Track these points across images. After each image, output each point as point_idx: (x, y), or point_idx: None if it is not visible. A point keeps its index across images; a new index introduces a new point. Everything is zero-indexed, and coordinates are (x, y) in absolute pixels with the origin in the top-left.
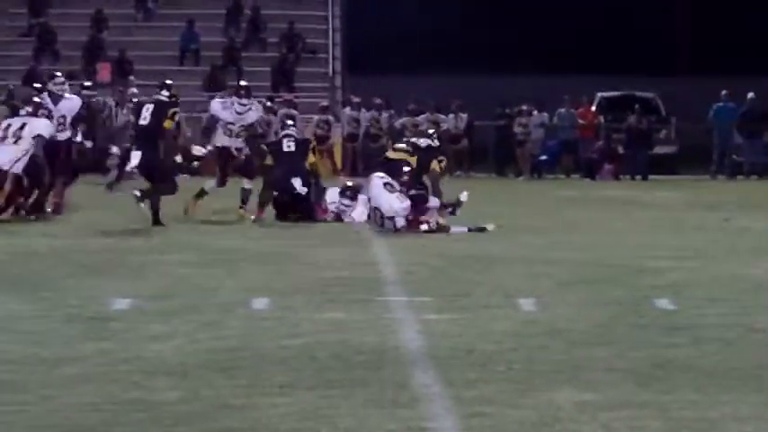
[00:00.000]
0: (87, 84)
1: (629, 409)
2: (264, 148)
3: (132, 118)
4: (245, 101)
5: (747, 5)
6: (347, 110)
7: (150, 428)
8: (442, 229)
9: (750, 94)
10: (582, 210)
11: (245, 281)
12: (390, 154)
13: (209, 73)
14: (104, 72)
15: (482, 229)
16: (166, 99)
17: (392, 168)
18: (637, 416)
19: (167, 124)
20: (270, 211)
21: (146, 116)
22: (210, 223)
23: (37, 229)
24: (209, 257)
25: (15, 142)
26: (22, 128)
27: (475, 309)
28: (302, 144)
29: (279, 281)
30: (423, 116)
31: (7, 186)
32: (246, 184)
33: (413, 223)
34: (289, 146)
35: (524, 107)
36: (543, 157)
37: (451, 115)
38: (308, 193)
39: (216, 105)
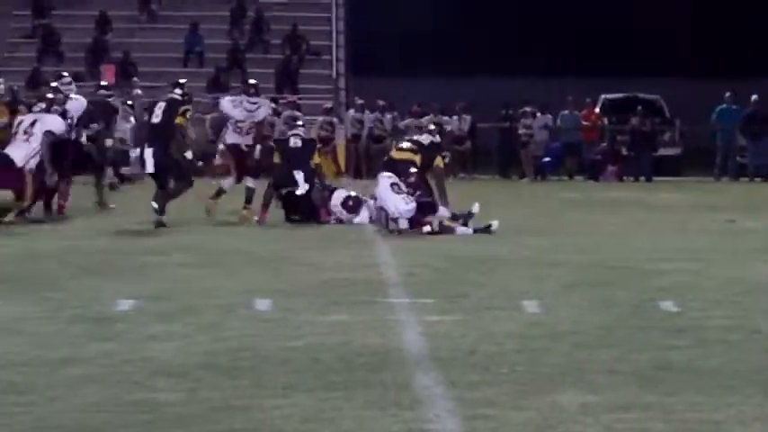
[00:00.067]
0: (103, 83)
1: (632, 411)
2: (272, 144)
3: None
4: (254, 99)
5: (751, 7)
6: (351, 111)
7: (154, 429)
8: (445, 230)
9: (754, 97)
10: (585, 212)
11: (247, 282)
12: (395, 154)
13: (213, 75)
14: (108, 74)
15: (488, 228)
16: (179, 97)
17: (398, 169)
18: (640, 418)
19: (179, 120)
20: (277, 212)
21: (158, 114)
22: (213, 225)
23: (40, 231)
24: (211, 259)
25: (27, 140)
26: (33, 124)
27: (478, 310)
28: (309, 142)
29: (281, 282)
30: (426, 118)
31: (29, 185)
32: (250, 183)
33: (415, 225)
34: (296, 142)
35: (528, 109)
36: (546, 159)
37: (455, 117)
38: (310, 193)
39: (226, 104)
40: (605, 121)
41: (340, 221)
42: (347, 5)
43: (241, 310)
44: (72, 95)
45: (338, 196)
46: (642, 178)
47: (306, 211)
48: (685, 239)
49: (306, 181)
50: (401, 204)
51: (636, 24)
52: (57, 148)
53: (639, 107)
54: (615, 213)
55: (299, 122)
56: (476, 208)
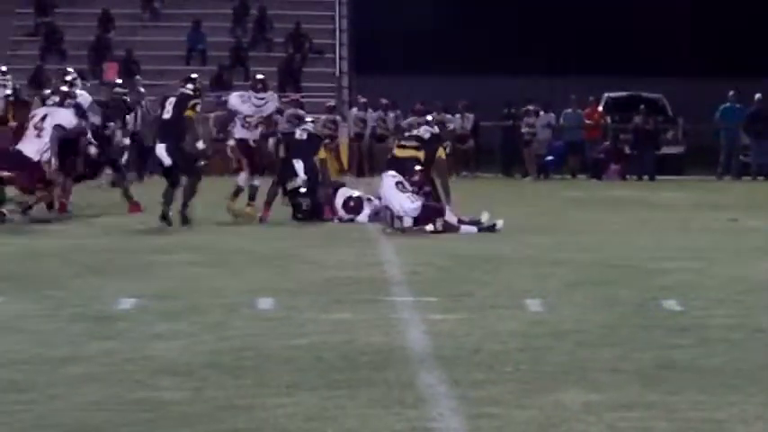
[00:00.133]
0: (118, 81)
1: (635, 409)
2: (280, 136)
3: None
4: (261, 94)
5: (754, 6)
6: (354, 110)
7: (156, 428)
8: (449, 229)
9: (757, 95)
10: (588, 210)
11: (250, 281)
12: (398, 152)
13: (216, 73)
14: (111, 72)
15: (492, 227)
16: (191, 92)
17: (402, 167)
18: (643, 417)
19: (189, 113)
20: (280, 211)
21: (168, 109)
22: (216, 223)
23: (42, 229)
24: (214, 257)
25: (37, 135)
26: (43, 119)
27: (481, 309)
28: (315, 137)
29: (284, 281)
30: (429, 116)
31: (54, 178)
32: (255, 180)
33: (420, 224)
34: (301, 135)
35: (531, 107)
36: (549, 158)
37: (458, 115)
38: (315, 191)
39: (234, 100)
40: (608, 119)
41: (341, 220)
42: (350, 4)
43: (245, 309)
44: (77, 91)
45: (341, 195)
46: (645, 177)
47: (310, 209)
48: (688, 238)
49: (306, 174)
50: (406, 203)
51: (639, 23)
52: (65, 144)
53: (642, 106)
54: (618, 212)
55: (309, 119)
56: (485, 217)
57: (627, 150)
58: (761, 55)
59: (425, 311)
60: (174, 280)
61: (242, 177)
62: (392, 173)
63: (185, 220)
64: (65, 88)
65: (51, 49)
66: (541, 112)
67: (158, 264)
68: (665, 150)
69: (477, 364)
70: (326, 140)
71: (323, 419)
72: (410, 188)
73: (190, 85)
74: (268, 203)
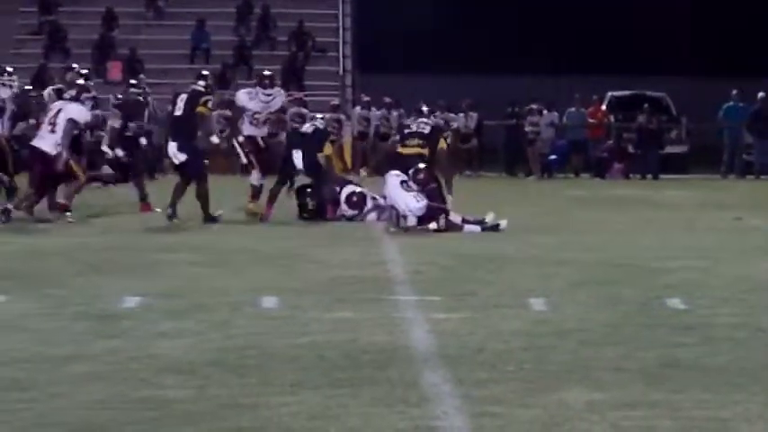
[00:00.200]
0: (133, 81)
1: (639, 408)
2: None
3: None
4: (269, 90)
5: (757, 5)
6: (357, 109)
7: (160, 427)
8: (453, 228)
9: (760, 94)
10: (592, 209)
11: (254, 280)
12: (402, 150)
13: (220, 71)
14: (115, 70)
15: (496, 227)
16: (202, 89)
17: (406, 164)
18: (647, 415)
19: (201, 110)
20: (285, 210)
21: (180, 106)
22: (221, 222)
23: (45, 228)
24: (218, 256)
25: (51, 131)
26: (57, 114)
27: (485, 308)
28: (321, 132)
29: (288, 280)
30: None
31: (72, 164)
32: (262, 179)
33: (424, 222)
34: (308, 128)
35: (534, 106)
36: (553, 157)
37: (461, 114)
38: (320, 188)
39: (242, 96)
40: (612, 118)
41: (345, 218)
42: (354, 2)
43: (249, 308)
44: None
45: (346, 191)
46: (649, 176)
47: (315, 209)
48: (692, 237)
49: (308, 169)
50: (412, 202)
51: (642, 22)
52: (75, 141)
53: (646, 105)
54: (622, 211)
55: (320, 116)
56: (489, 218)
57: (630, 149)
58: (764, 54)
59: (429, 310)
60: (178, 278)
61: (254, 176)
62: (396, 172)
63: (212, 220)
64: (81, 81)
65: (55, 48)
66: (545, 111)
67: (162, 262)
68: (669, 149)
69: (481, 363)
70: (333, 137)
71: (326, 418)
72: (415, 187)
73: (201, 82)
74: (271, 202)
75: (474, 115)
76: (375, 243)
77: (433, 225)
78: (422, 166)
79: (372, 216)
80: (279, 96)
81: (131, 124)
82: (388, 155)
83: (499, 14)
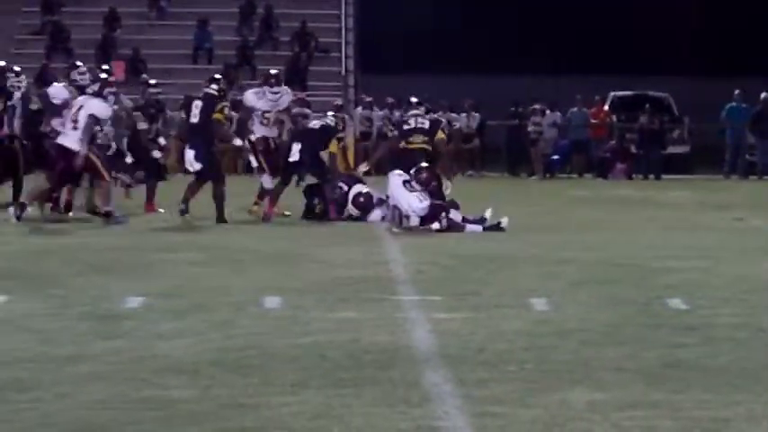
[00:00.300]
0: (152, 81)
1: (640, 408)
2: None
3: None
4: (276, 88)
5: (760, 5)
6: (359, 109)
7: (162, 427)
8: (455, 227)
9: (763, 94)
10: (594, 209)
11: (256, 280)
12: (407, 145)
13: (223, 72)
14: (118, 71)
15: (498, 226)
16: (215, 93)
17: (412, 158)
18: (648, 416)
19: (218, 117)
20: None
21: (195, 113)
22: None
23: (47, 228)
24: (220, 256)
25: (74, 128)
26: (79, 110)
27: (486, 308)
28: (328, 128)
29: (290, 280)
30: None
31: (97, 161)
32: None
33: (425, 221)
34: (314, 124)
35: (537, 106)
36: (555, 157)
37: (464, 114)
38: (325, 189)
39: (251, 97)
40: (614, 118)
41: (352, 218)
42: (357, 3)
43: (251, 308)
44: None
45: (354, 191)
46: (651, 176)
47: (321, 212)
48: (694, 237)
49: (312, 166)
50: (415, 202)
51: (642, 22)
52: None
53: (648, 105)
54: (624, 211)
55: (330, 113)
56: (488, 213)
57: (633, 149)
58: (766, 54)
59: (430, 310)
60: (180, 278)
61: (266, 180)
62: (398, 172)
63: (224, 222)
64: (104, 75)
65: (57, 48)
66: (548, 111)
67: (165, 262)
68: (671, 150)
69: (482, 362)
70: (340, 134)
71: (328, 418)
72: (418, 187)
73: (214, 86)
74: (273, 202)
75: (476, 115)
76: (377, 243)
77: (435, 225)
78: (424, 165)
79: (377, 214)
80: (286, 95)
81: (153, 125)
82: (392, 151)
83: (499, 15)
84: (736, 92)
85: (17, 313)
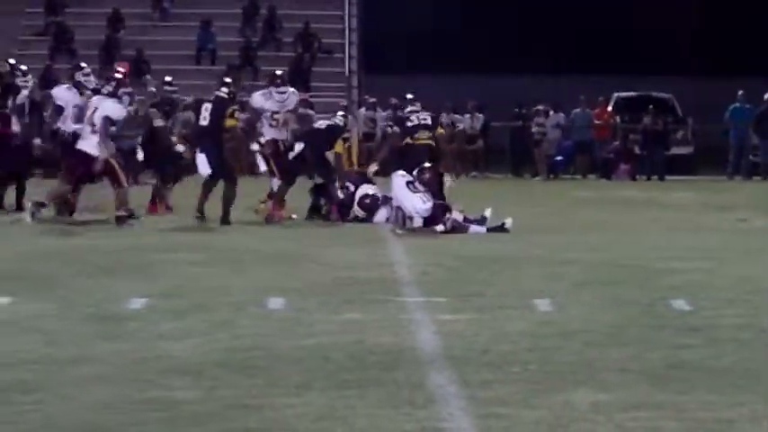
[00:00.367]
0: (168, 79)
1: (644, 409)
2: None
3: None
4: (282, 88)
5: (763, 5)
6: (362, 110)
7: (166, 428)
8: (458, 229)
9: (766, 95)
10: (598, 210)
11: (260, 281)
12: (413, 141)
13: (226, 72)
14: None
15: (502, 227)
16: (225, 95)
17: (418, 154)
18: (652, 417)
19: (230, 123)
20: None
21: (205, 116)
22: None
23: (52, 229)
24: (223, 257)
25: (93, 131)
26: (94, 112)
27: (490, 309)
28: (335, 128)
29: (294, 281)
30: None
31: (116, 166)
32: (275, 184)
33: (429, 222)
34: (320, 124)
35: (541, 107)
36: (559, 158)
37: (467, 115)
38: (328, 189)
39: (258, 98)
40: (618, 119)
41: (357, 219)
42: (360, 3)
43: (254, 309)
44: (91, 86)
45: (360, 192)
46: (655, 177)
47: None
48: (697, 238)
49: (317, 165)
50: (418, 203)
51: (643, 22)
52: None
53: (651, 106)
54: (627, 212)
55: (340, 113)
56: (488, 212)
57: (636, 150)
58: (767, 54)
59: (435, 312)
60: (184, 280)
61: (276, 182)
62: (402, 172)
63: (227, 223)
64: (119, 75)
65: (61, 49)
66: (551, 112)
67: (168, 263)
68: (675, 150)
69: (487, 364)
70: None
71: (332, 419)
72: (421, 188)
73: (225, 89)
74: (278, 203)
75: (480, 116)
76: (381, 244)
77: (439, 227)
78: (427, 165)
79: (382, 214)
80: (293, 95)
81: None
82: (397, 149)
83: (499, 15)
84: (740, 92)
85: (22, 315)
